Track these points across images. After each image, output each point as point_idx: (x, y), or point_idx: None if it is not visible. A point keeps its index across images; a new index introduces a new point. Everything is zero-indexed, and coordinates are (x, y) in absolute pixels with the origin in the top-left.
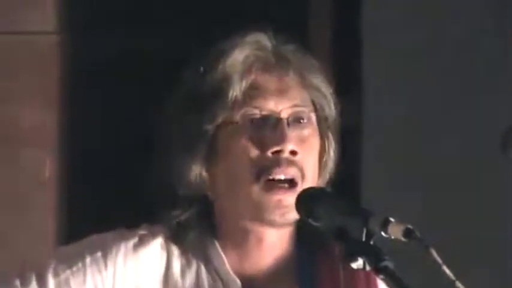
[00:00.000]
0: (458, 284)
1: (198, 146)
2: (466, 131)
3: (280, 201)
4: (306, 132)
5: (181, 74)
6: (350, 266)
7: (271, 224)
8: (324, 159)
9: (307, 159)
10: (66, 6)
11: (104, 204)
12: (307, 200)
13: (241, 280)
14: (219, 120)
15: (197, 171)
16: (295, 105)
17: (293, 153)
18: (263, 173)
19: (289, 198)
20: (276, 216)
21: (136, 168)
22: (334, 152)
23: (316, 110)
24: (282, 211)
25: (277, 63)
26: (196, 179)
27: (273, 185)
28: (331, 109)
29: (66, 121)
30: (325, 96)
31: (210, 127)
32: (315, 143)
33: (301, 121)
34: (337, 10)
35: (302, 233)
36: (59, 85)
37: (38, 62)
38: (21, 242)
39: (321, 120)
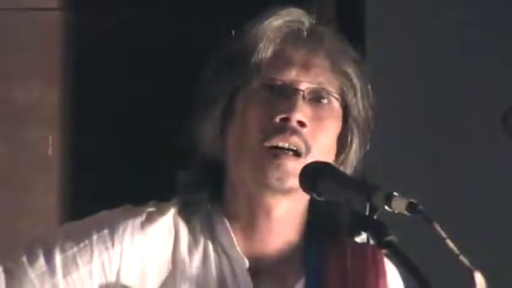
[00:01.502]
0: (462, 257)
1: (216, 105)
2: (469, 116)
3: (279, 165)
4: (324, 112)
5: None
6: (359, 247)
7: (268, 186)
8: (345, 152)
9: (318, 136)
10: None
11: (106, 181)
12: (310, 174)
13: (248, 259)
14: (238, 82)
15: (212, 131)
16: (318, 83)
17: (301, 124)
18: (268, 138)
19: (290, 164)
20: (273, 179)
21: (140, 145)
22: (358, 147)
23: (341, 98)
24: (280, 175)
25: (309, 39)
26: (211, 139)
27: (276, 150)
28: (358, 100)
29: (68, 98)
30: (354, 86)
31: (229, 88)
32: (331, 126)
33: (321, 101)
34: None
35: (312, 219)
36: (60, 62)
37: (40, 39)
38: (23, 220)
39: (346, 110)
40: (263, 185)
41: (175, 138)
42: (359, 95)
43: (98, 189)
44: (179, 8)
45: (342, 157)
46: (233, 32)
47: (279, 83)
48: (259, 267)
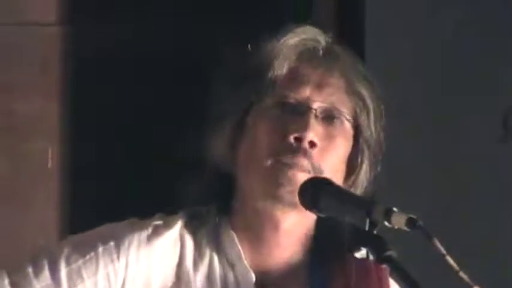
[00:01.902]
0: (461, 273)
1: (229, 120)
2: (465, 127)
3: (291, 177)
4: (335, 132)
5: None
6: (364, 264)
7: (279, 199)
8: (355, 173)
9: (327, 155)
10: None
11: (107, 195)
12: (310, 190)
13: (254, 274)
14: (253, 98)
15: (224, 144)
16: (331, 103)
17: (312, 144)
18: (277, 155)
19: (301, 176)
20: (285, 192)
21: (141, 158)
22: (368, 169)
23: (353, 119)
24: (292, 188)
25: (324, 58)
26: (222, 152)
27: (286, 163)
28: (371, 122)
29: (68, 111)
30: (366, 108)
31: (242, 103)
32: (342, 145)
33: (333, 120)
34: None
35: (318, 240)
36: (60, 76)
37: (40, 53)
38: (23, 234)
39: (358, 130)
40: (274, 198)
41: (174, 147)
42: (372, 116)
43: (98, 202)
44: (178, 20)
45: (352, 178)
46: (249, 46)
47: (292, 101)
48: (265, 281)
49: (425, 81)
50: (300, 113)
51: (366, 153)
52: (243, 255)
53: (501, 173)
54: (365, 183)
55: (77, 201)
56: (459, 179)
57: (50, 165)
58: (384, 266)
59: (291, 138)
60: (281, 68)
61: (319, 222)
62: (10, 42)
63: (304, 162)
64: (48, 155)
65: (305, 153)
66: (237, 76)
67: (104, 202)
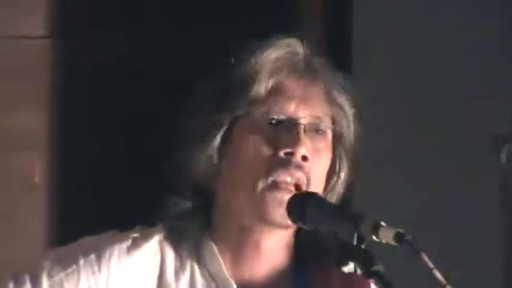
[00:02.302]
0: (449, 287)
1: (213, 134)
2: (458, 133)
3: (283, 200)
4: (321, 144)
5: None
6: (346, 274)
7: (271, 222)
8: (333, 180)
9: (316, 170)
10: (57, 11)
11: (95, 208)
12: (298, 204)
13: (236, 285)
14: (238, 113)
15: (208, 159)
16: (316, 116)
17: (304, 158)
18: (271, 172)
19: None
20: (277, 216)
21: (132, 170)
22: (346, 176)
23: (334, 127)
24: (284, 211)
25: (305, 71)
26: (206, 169)
27: (278, 184)
28: (349, 129)
29: (56, 125)
30: (346, 115)
31: (228, 118)
32: (326, 157)
33: (318, 132)
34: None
35: (299, 247)
36: (49, 89)
37: (29, 66)
38: (11, 246)
39: (338, 139)
40: (267, 221)
41: (166, 162)
42: (351, 125)
43: (86, 216)
44: (168, 32)
45: (330, 185)
46: (232, 60)
47: (279, 116)
48: None
49: (419, 83)
50: (289, 127)
51: (344, 160)
52: (223, 267)
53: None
54: (341, 191)
55: (65, 214)
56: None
57: (36, 179)
58: (371, 280)
59: (282, 153)
60: (266, 82)
61: (298, 233)
62: (0, 56)
63: (299, 174)
64: (34, 169)
65: (299, 167)
66: (222, 89)
67: (92, 215)
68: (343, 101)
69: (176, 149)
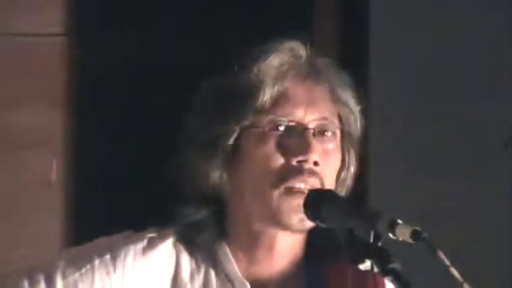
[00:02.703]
0: (466, 285)
1: (221, 147)
2: (472, 129)
3: (299, 206)
4: (330, 145)
5: (190, 76)
6: (360, 271)
7: (288, 228)
8: (343, 175)
9: (328, 172)
10: (72, 8)
11: (111, 206)
12: (314, 202)
13: (250, 285)
14: (246, 123)
15: (217, 171)
16: (323, 118)
17: (316, 164)
18: (285, 180)
19: None
20: (294, 221)
21: (144, 170)
22: (354, 169)
23: (341, 125)
24: (301, 216)
25: (309, 73)
26: (215, 179)
27: (293, 191)
28: (356, 126)
29: (72, 123)
30: (352, 112)
31: (235, 128)
32: (336, 157)
33: (326, 134)
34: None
35: (312, 242)
36: (65, 87)
37: (44, 64)
38: (27, 245)
39: (345, 136)
40: (281, 226)
41: (175, 168)
42: (357, 120)
43: (103, 214)
44: (181, 31)
45: (340, 180)
46: (235, 68)
47: (287, 123)
48: None
49: (433, 80)
50: (298, 134)
51: (352, 155)
52: (237, 269)
53: (505, 179)
54: (351, 184)
55: (81, 213)
56: (463, 186)
57: (53, 178)
58: (388, 278)
59: (294, 162)
60: (271, 90)
61: (311, 231)
62: (14, 53)
63: (313, 180)
64: (51, 168)
65: (312, 173)
66: (227, 99)
67: (108, 214)
68: (348, 98)
69: (184, 160)
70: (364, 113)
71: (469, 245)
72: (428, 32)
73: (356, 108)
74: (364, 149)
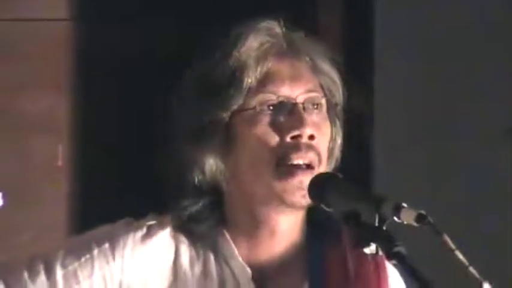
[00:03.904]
0: (471, 268)
1: (213, 134)
2: (474, 121)
3: (301, 182)
4: (320, 117)
5: (192, 63)
6: (361, 251)
7: (293, 205)
8: (331, 146)
9: (322, 144)
10: None
11: (116, 192)
12: (319, 185)
13: (251, 269)
14: (235, 107)
15: (212, 160)
16: (310, 91)
17: (311, 137)
18: (282, 158)
19: (308, 179)
20: (297, 198)
21: (149, 157)
22: (340, 139)
23: (325, 96)
24: (303, 192)
25: (288, 49)
26: (211, 168)
27: (292, 168)
28: (340, 95)
29: (77, 107)
30: (334, 82)
31: (225, 115)
32: (327, 128)
33: (315, 106)
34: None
35: (312, 222)
36: (70, 71)
37: (48, 49)
38: (32, 230)
39: (330, 107)
40: (288, 205)
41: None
42: (339, 89)
43: (108, 200)
44: (181, 21)
45: (328, 150)
46: (215, 55)
47: (276, 101)
48: (263, 276)
49: (437, 71)
50: (289, 110)
51: (338, 125)
52: (237, 253)
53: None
54: (338, 156)
55: (86, 198)
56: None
57: (59, 163)
58: (393, 261)
59: (289, 138)
60: (254, 72)
61: (310, 209)
62: (19, 38)
63: (311, 154)
64: (57, 153)
65: (309, 147)
66: (212, 86)
67: (113, 200)
68: (328, 68)
69: (177, 149)
70: (370, 95)
71: (470, 235)
72: (432, 19)
73: (337, 77)
74: (369, 139)
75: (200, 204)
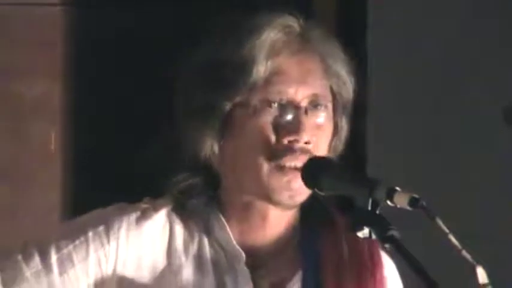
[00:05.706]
0: (464, 252)
1: (213, 120)
2: (469, 109)
3: (289, 182)
4: (322, 119)
5: (188, 48)
6: (355, 236)
7: (279, 204)
8: (334, 143)
9: (319, 145)
10: None
11: (109, 177)
12: (313, 169)
13: (244, 252)
14: (238, 99)
15: (209, 143)
16: (315, 95)
17: (307, 142)
18: (275, 158)
19: (299, 181)
20: (284, 198)
21: (142, 141)
22: (345, 133)
23: (333, 99)
24: (291, 193)
25: (302, 49)
26: (206, 151)
27: (285, 169)
28: (349, 95)
29: (71, 94)
30: (344, 83)
31: (228, 104)
32: (328, 129)
33: (318, 107)
34: None
35: (306, 208)
36: (63, 58)
37: (42, 35)
38: (26, 215)
39: (338, 107)
40: (272, 202)
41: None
42: (349, 88)
43: (102, 185)
44: (178, 9)
45: (331, 146)
46: (227, 39)
47: (279, 100)
48: (256, 260)
49: (430, 60)
50: (290, 112)
51: (344, 121)
52: (231, 237)
53: (503, 158)
54: (342, 147)
55: (80, 183)
56: (460, 172)
57: (53, 147)
58: (386, 244)
59: (286, 141)
60: (264, 67)
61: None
62: (12, 23)
63: (304, 157)
64: (51, 138)
65: (303, 151)
66: (220, 72)
67: (107, 184)
68: (340, 69)
69: (179, 128)
70: (362, 85)
71: (470, 218)
72: (426, 10)
73: (348, 77)
74: (362, 123)
75: (195, 180)
